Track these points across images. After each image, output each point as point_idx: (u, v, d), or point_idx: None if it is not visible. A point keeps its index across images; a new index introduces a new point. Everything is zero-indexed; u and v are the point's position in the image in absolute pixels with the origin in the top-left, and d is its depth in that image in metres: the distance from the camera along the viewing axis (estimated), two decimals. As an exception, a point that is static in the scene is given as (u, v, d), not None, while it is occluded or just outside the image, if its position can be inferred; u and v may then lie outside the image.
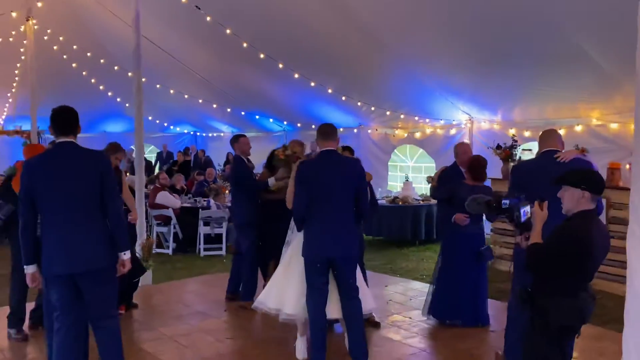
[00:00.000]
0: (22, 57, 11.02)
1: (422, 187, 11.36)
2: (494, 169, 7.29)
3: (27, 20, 9.15)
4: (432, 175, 6.06)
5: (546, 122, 8.49)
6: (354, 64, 9.07)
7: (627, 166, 6.46)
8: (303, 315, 4.27)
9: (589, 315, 2.87)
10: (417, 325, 5.37)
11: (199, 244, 8.72)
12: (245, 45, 8.90)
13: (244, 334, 5.19)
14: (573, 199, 2.85)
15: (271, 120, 14.17)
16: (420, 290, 6.64)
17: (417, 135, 11.30)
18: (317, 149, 4.42)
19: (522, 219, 3.07)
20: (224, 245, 8.67)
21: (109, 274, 3.58)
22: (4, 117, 14.77)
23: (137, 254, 6.15)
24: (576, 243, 2.76)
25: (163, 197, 8.99)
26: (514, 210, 3.08)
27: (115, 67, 11.54)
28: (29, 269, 3.53)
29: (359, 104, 10.74)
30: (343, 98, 10.48)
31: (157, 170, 14.59)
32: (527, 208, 3.06)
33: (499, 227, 7.63)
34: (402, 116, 11.00)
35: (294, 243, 4.44)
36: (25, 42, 9.74)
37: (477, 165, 5.16)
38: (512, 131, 8.96)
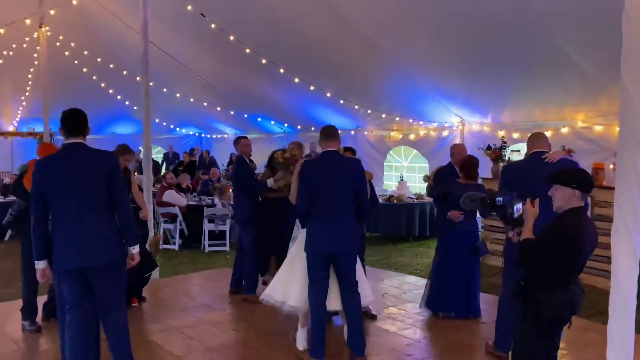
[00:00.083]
0: (35, 63, 10.99)
1: (416, 186, 11.38)
2: (484, 169, 7.29)
3: (40, 27, 9.12)
4: (429, 174, 6.06)
5: (534, 125, 8.51)
6: (351, 69, 9.07)
7: (611, 166, 6.47)
8: (305, 307, 4.28)
9: (579, 307, 2.87)
10: (412, 317, 5.37)
11: (204, 240, 8.71)
12: (248, 51, 8.89)
13: (246, 325, 5.18)
14: (564, 197, 2.86)
15: (272, 122, 14.17)
16: (415, 284, 6.65)
17: (412, 137, 11.29)
18: (316, 149, 4.43)
19: (515, 216, 3.07)
20: (227, 242, 8.66)
21: (117, 269, 3.57)
22: (18, 119, 14.74)
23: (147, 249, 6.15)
24: (567, 239, 2.76)
25: (170, 195, 8.98)
26: (508, 207, 3.08)
27: (124, 72, 11.53)
28: (40, 265, 3.52)
29: (356, 107, 10.74)
30: (341, 101, 10.48)
31: (163, 170, 14.58)
32: (520, 205, 3.06)
33: (489, 224, 7.63)
34: (397, 119, 11.01)
35: (299, 239, 4.44)
36: (38, 48, 9.70)
37: (469, 164, 5.16)
38: (501, 133, 8.96)
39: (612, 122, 7.58)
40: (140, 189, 6.08)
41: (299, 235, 4.48)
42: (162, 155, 17.00)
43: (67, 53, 11.12)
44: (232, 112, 13.45)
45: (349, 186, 4.15)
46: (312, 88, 9.94)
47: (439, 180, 5.52)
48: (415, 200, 9.66)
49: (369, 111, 10.98)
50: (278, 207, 5.85)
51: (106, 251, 3.48)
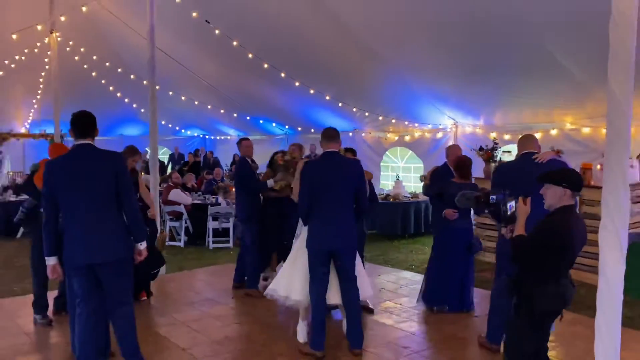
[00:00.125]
0: (47, 67, 10.98)
1: (412, 186, 11.39)
2: (477, 170, 7.29)
3: (51, 33, 9.10)
4: (425, 174, 6.05)
5: (524, 127, 8.51)
6: (350, 73, 9.06)
7: (598, 167, 6.46)
8: (306, 301, 4.27)
9: (570, 300, 2.88)
10: (408, 311, 5.37)
11: (208, 238, 8.70)
12: (250, 56, 8.89)
13: (250, 319, 5.18)
14: (555, 196, 2.87)
15: (274, 124, 14.16)
16: (410, 279, 6.65)
17: (407, 138, 11.29)
18: (316, 150, 4.43)
19: (508, 213, 3.08)
20: (231, 239, 8.66)
21: (125, 265, 3.57)
22: (29, 121, 14.71)
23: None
24: (558, 235, 2.77)
25: (175, 194, 8.98)
26: (501, 205, 3.09)
27: (132, 76, 11.51)
28: (50, 261, 3.52)
29: (354, 109, 10.74)
30: (340, 104, 10.48)
31: (169, 170, 14.56)
32: (513, 203, 3.07)
33: (480, 221, 7.62)
34: (393, 121, 11.01)
35: (302, 236, 4.44)
36: (49, 53, 9.68)
37: (463, 164, 5.16)
38: (493, 134, 8.97)
39: (599, 124, 7.59)
40: (147, 188, 6.08)
41: (303, 232, 4.48)
42: (167, 156, 16.99)
43: (77, 58, 11.10)
44: (235, 115, 13.44)
45: (349, 186, 4.15)
46: (312, 91, 9.93)
47: (435, 179, 5.52)
48: (411, 199, 9.66)
49: (367, 114, 10.98)
50: (279, 207, 5.85)
51: (114, 248, 3.48)
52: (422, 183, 5.98)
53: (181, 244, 8.73)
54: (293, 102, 11.35)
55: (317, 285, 4.14)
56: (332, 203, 4.10)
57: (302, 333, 4.47)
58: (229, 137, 16.50)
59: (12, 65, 10.64)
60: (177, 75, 11.05)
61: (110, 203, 3.49)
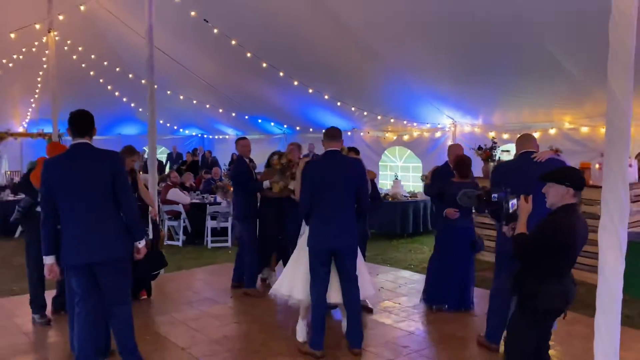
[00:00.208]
0: (44, 66, 10.95)
1: (410, 185, 11.40)
2: (476, 169, 7.29)
3: (49, 32, 9.09)
4: (426, 173, 6.05)
5: (523, 126, 8.52)
6: (348, 72, 9.06)
7: (597, 166, 6.47)
8: (308, 300, 4.27)
9: (573, 298, 2.88)
10: (407, 310, 5.37)
11: (207, 237, 8.69)
12: (249, 55, 8.87)
13: (248, 318, 5.17)
14: (558, 195, 2.88)
15: (272, 123, 14.16)
16: (409, 278, 6.65)
17: (406, 137, 11.30)
18: (315, 149, 4.42)
19: (510, 211, 3.09)
20: (229, 238, 8.65)
21: (123, 264, 3.57)
22: (27, 120, 14.67)
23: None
24: (560, 234, 2.78)
25: (174, 193, 8.96)
26: (503, 203, 3.09)
27: (130, 75, 11.49)
28: (48, 260, 3.51)
29: (352, 109, 10.73)
30: (338, 104, 10.47)
31: (168, 170, 14.55)
32: (514, 201, 3.07)
33: (480, 221, 7.61)
34: (392, 120, 11.00)
35: (305, 235, 4.42)
36: (47, 52, 9.67)
37: (462, 164, 5.16)
38: (491, 134, 8.97)
39: (598, 123, 7.60)
40: (146, 187, 6.06)
41: (306, 231, 4.47)
42: (166, 155, 16.97)
43: (74, 57, 11.08)
44: (233, 114, 13.42)
45: (350, 185, 4.14)
46: (310, 91, 9.92)
47: (436, 179, 5.52)
48: (409, 199, 9.66)
49: (365, 113, 10.97)
50: (278, 206, 5.85)
51: (112, 247, 3.47)
52: (423, 183, 5.98)
53: (179, 243, 8.73)
54: (292, 101, 11.34)
55: (318, 284, 4.14)
56: (333, 202, 4.10)
57: (301, 332, 4.47)
58: (227, 137, 16.48)
59: (10, 64, 10.60)
60: (175, 74, 11.03)
61: (108, 202, 3.48)
